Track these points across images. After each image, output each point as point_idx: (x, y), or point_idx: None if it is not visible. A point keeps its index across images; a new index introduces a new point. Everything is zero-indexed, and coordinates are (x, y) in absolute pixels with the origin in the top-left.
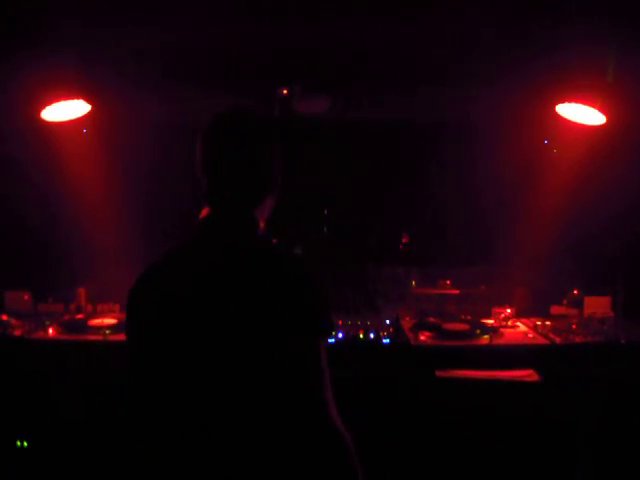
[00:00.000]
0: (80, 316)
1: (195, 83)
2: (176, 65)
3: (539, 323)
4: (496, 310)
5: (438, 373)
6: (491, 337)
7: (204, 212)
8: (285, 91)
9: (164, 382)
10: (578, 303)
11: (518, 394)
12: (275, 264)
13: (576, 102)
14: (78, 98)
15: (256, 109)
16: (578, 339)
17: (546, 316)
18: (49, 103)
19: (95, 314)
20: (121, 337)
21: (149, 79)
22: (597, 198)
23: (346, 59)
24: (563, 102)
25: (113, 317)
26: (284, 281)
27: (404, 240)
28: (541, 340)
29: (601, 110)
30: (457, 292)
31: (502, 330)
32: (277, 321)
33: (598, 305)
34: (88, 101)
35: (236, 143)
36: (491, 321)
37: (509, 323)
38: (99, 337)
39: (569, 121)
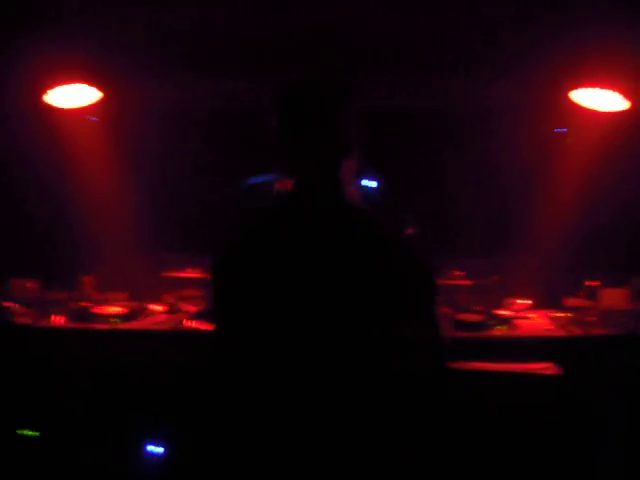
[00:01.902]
0: (86, 304)
1: (207, 69)
2: (188, 51)
3: (557, 315)
4: (511, 301)
5: (452, 364)
6: (507, 328)
7: (288, 183)
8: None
9: (260, 355)
10: (594, 295)
11: (537, 387)
12: (376, 227)
13: (596, 87)
14: (88, 84)
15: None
16: (597, 331)
17: (560, 308)
18: (57, 86)
19: (103, 302)
20: (129, 325)
21: (160, 66)
22: (614, 187)
23: (361, 43)
24: (581, 87)
25: (120, 305)
26: (389, 245)
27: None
28: (559, 332)
29: (623, 94)
30: (469, 283)
31: (518, 322)
32: (391, 287)
33: (615, 297)
34: (99, 87)
35: (316, 110)
36: (506, 312)
37: (525, 314)
38: (106, 326)
39: (586, 109)
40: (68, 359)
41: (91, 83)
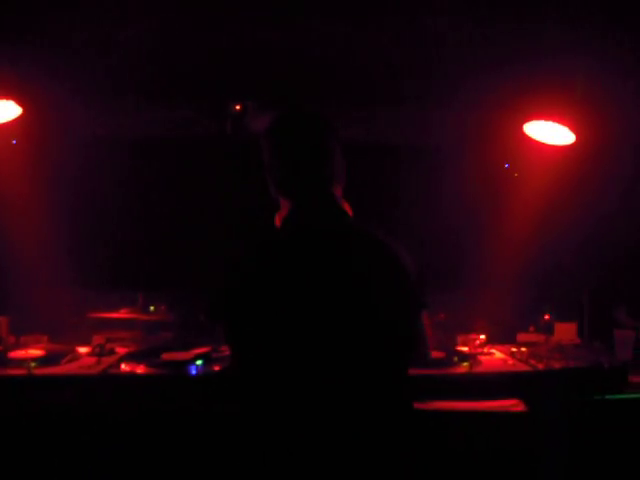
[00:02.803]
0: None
1: (137, 95)
2: (117, 75)
3: (515, 350)
4: (470, 337)
5: (416, 405)
6: (471, 365)
7: (283, 209)
8: (238, 107)
9: (278, 369)
10: (546, 329)
11: (504, 425)
12: (377, 245)
13: (544, 119)
14: (8, 98)
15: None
16: (559, 364)
17: (514, 343)
18: None
19: (18, 346)
20: (48, 370)
21: (86, 87)
22: (564, 222)
23: (301, 76)
24: (530, 120)
25: (40, 348)
26: (389, 260)
27: None
28: (522, 367)
29: (571, 128)
30: None
31: (479, 357)
32: (387, 298)
33: (565, 331)
34: (18, 103)
35: (308, 138)
36: (465, 348)
37: (485, 350)
38: (22, 371)
39: (535, 142)
40: None
41: (11, 98)
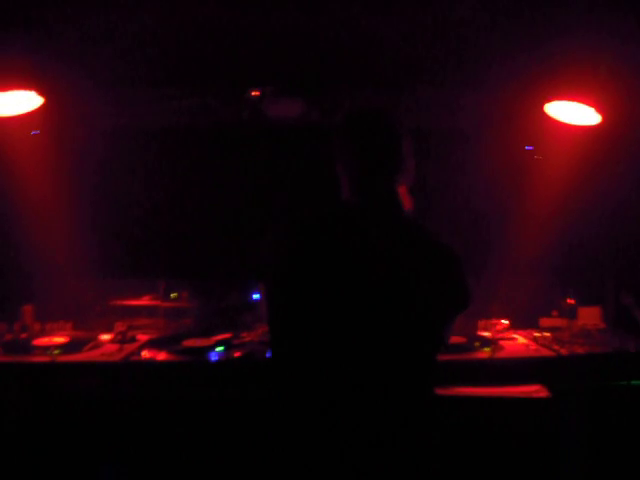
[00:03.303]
0: (25, 335)
1: (155, 84)
2: (135, 61)
3: (537, 334)
4: (492, 322)
5: (438, 390)
6: (493, 350)
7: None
8: (255, 93)
9: (314, 344)
10: (569, 314)
11: (527, 411)
12: (430, 241)
13: (568, 100)
14: (28, 89)
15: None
16: (582, 349)
17: (537, 328)
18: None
19: (43, 333)
20: (71, 357)
21: (106, 76)
22: (587, 205)
23: (323, 59)
24: (553, 100)
25: (63, 336)
26: (440, 258)
27: None
28: (545, 352)
29: (595, 108)
30: None
31: (501, 343)
32: (431, 294)
33: (589, 316)
34: (40, 93)
35: (380, 135)
36: (486, 333)
37: (507, 335)
38: (46, 358)
39: (558, 123)
40: (3, 396)
41: (32, 88)
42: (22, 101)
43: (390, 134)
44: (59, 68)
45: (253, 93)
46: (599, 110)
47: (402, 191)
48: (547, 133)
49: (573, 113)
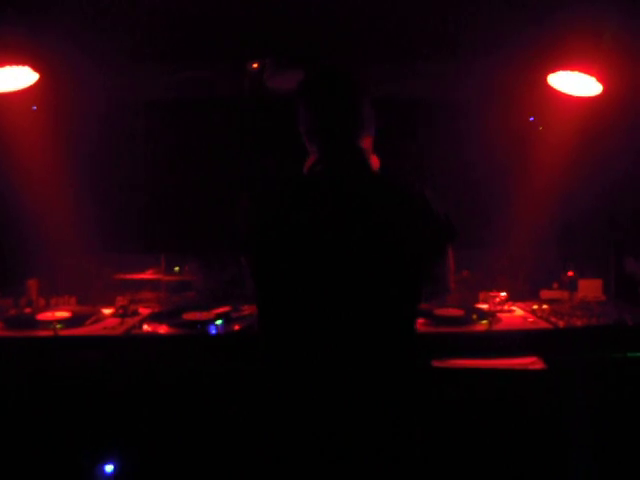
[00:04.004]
0: (28, 310)
1: (153, 57)
2: (132, 34)
3: (536, 307)
4: (490, 294)
5: (435, 363)
6: (490, 322)
7: (311, 158)
8: (255, 65)
9: (297, 305)
10: (570, 286)
11: (522, 383)
12: (396, 186)
13: (570, 70)
14: (24, 64)
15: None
16: (581, 322)
17: (537, 300)
18: None
19: (47, 308)
20: (74, 331)
21: (102, 49)
22: (588, 176)
23: (322, 30)
24: (555, 71)
25: (66, 310)
26: (414, 200)
27: None
28: (543, 324)
29: (597, 78)
30: None
31: (499, 315)
32: (411, 238)
33: (590, 288)
34: (35, 69)
35: (337, 91)
36: (485, 306)
37: (505, 307)
38: (49, 332)
39: (560, 93)
40: (6, 371)
41: (28, 64)
42: (18, 77)
43: (347, 92)
44: (53, 43)
45: (253, 65)
46: (601, 80)
47: (367, 149)
48: (550, 104)
49: (575, 84)
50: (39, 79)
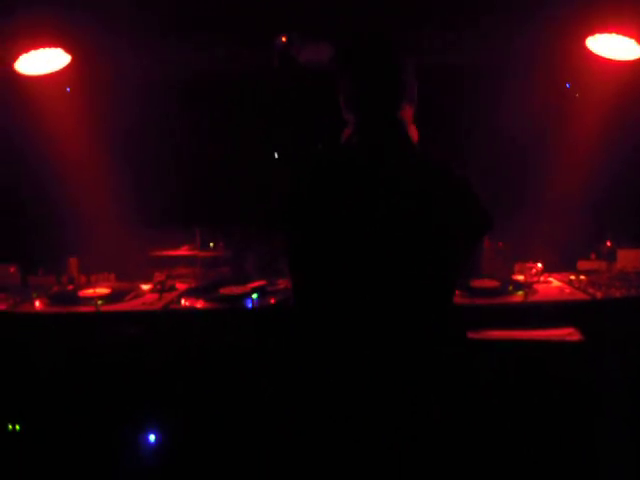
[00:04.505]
0: (70, 287)
1: (181, 34)
2: (161, 11)
3: (573, 278)
4: (527, 265)
5: (470, 334)
6: (526, 293)
7: (349, 127)
8: (284, 39)
9: (332, 285)
10: (608, 256)
11: (559, 355)
12: (442, 172)
13: (608, 33)
14: (56, 46)
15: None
16: (619, 293)
17: (574, 271)
18: (24, 52)
19: (88, 284)
20: (114, 307)
21: (132, 28)
22: (627, 143)
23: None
24: (593, 34)
25: (106, 287)
26: (453, 185)
27: None
28: (579, 295)
29: (638, 40)
30: None
31: (535, 286)
32: (451, 223)
33: (629, 258)
34: (67, 50)
35: (378, 57)
36: (520, 277)
37: (541, 278)
38: (90, 308)
39: (598, 58)
40: (51, 346)
41: (60, 46)
42: (51, 60)
43: (387, 57)
44: (84, 24)
45: (282, 39)
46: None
47: (408, 119)
48: (588, 70)
49: (615, 47)
50: (72, 61)
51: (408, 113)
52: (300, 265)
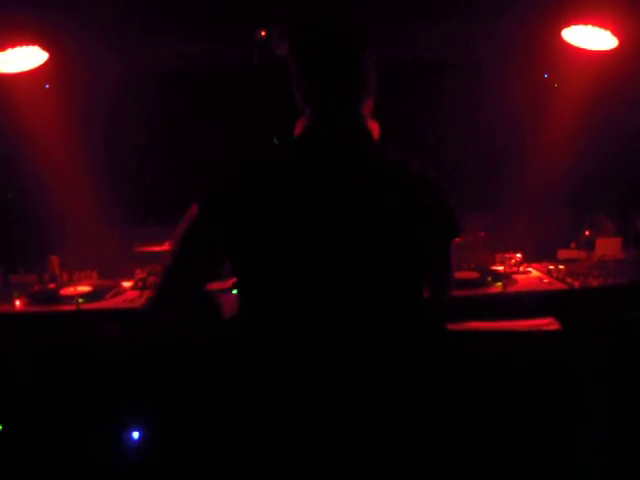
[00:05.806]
0: (52, 286)
1: (157, 29)
2: (138, 6)
3: (552, 267)
4: (505, 256)
5: (450, 326)
6: (504, 284)
7: (300, 123)
8: (263, 33)
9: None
10: (587, 245)
11: (538, 344)
12: (408, 171)
13: (584, 24)
14: (33, 44)
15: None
16: (596, 282)
17: (554, 261)
18: (0, 50)
19: (70, 283)
20: (96, 305)
21: (109, 24)
22: (605, 132)
23: None
24: (569, 26)
25: (88, 284)
26: (419, 185)
27: None
28: (558, 285)
29: (613, 31)
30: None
31: (514, 277)
32: (415, 225)
33: (608, 247)
34: (44, 48)
35: (335, 42)
36: (500, 268)
37: (520, 269)
38: (72, 306)
39: (574, 48)
40: (32, 345)
41: (37, 43)
42: (28, 57)
43: (345, 44)
44: (60, 21)
45: (261, 34)
46: (615, 33)
47: (367, 113)
48: (564, 60)
49: (590, 38)
50: (49, 58)
51: (368, 107)
52: (254, 265)
